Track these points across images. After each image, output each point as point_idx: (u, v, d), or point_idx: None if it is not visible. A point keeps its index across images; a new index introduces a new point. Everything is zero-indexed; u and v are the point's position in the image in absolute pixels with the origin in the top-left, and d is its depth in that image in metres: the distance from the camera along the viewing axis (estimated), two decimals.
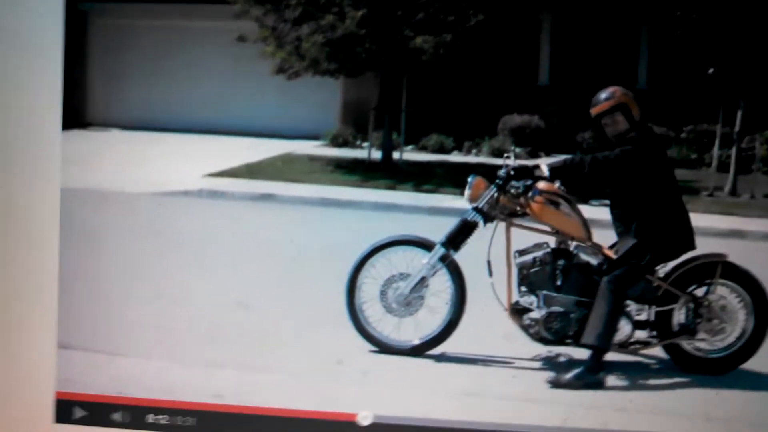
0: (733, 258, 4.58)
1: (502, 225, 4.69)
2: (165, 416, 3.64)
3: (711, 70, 9.12)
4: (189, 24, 11.88)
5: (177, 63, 11.87)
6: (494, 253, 4.63)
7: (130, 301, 5.15)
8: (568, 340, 4.56)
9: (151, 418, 3.64)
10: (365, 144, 11.34)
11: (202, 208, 8.43)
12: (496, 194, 4.65)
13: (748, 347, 4.56)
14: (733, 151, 9.38)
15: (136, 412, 3.65)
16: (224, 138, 11.36)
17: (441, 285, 4.70)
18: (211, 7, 11.20)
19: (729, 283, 4.58)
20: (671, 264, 4.59)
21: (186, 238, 6.78)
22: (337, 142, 11.91)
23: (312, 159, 10.96)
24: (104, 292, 5.01)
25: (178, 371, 4.20)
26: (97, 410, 3.68)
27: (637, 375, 4.50)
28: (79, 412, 3.68)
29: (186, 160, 10.15)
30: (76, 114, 11.41)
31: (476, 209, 4.66)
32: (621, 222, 4.62)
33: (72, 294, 4.39)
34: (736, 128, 9.25)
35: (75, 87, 11.88)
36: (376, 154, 10.87)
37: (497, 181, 4.65)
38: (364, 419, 3.69)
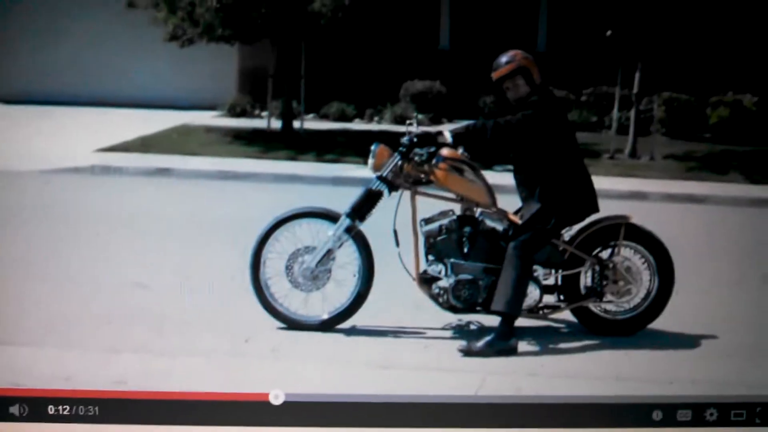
0: (636, 219, 4.66)
1: (407, 193, 4.68)
2: (66, 406, 3.53)
3: (609, 33, 9.29)
4: None
5: (64, 30, 11.49)
6: (400, 222, 4.62)
7: (18, 286, 4.98)
8: (478, 308, 4.59)
9: (51, 409, 3.53)
10: (264, 113, 11.22)
11: (95, 185, 8.22)
12: (399, 162, 4.63)
13: (654, 307, 4.68)
14: (632, 113, 9.58)
15: (35, 403, 3.53)
16: (117, 110, 11.09)
17: (348, 257, 4.67)
18: None
19: (633, 244, 4.68)
20: (576, 227, 4.66)
21: (78, 217, 6.60)
22: (234, 111, 11.74)
23: (209, 130, 10.77)
24: None
25: (75, 358, 4.06)
26: None
27: (547, 340, 4.57)
28: None
29: (76, 135, 9.86)
30: None
31: (380, 178, 4.64)
32: (525, 187, 4.66)
33: None
34: (635, 90, 9.46)
35: None
36: (276, 124, 10.76)
37: (400, 148, 4.63)
38: (276, 398, 3.65)
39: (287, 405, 3.64)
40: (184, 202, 7.55)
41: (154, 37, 10.60)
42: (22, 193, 7.30)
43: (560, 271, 4.67)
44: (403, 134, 4.68)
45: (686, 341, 4.57)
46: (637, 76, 9.49)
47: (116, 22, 11.11)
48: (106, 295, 4.99)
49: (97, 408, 3.54)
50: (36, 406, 3.54)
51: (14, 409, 3.55)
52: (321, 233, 4.67)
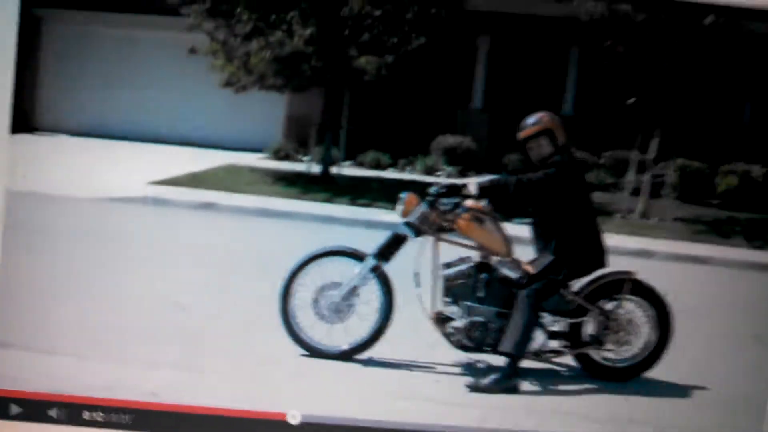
0: (640, 276, 4.72)
1: (430, 239, 4.76)
2: (100, 413, 3.62)
3: (632, 100, 9.34)
4: (141, 34, 11.73)
5: (128, 72, 11.70)
6: (421, 265, 4.71)
7: (69, 302, 5.09)
8: (487, 348, 4.64)
9: (86, 414, 3.62)
10: (306, 158, 11.33)
11: (146, 214, 8.35)
12: (426, 210, 4.72)
13: (651, 357, 4.71)
14: (647, 176, 9.59)
15: (72, 409, 3.63)
16: (170, 147, 11.23)
17: (371, 294, 4.75)
18: (164, 18, 11.08)
19: (635, 298, 4.72)
20: (584, 280, 4.71)
21: (128, 243, 6.71)
22: (279, 155, 11.86)
23: (254, 170, 10.89)
24: (44, 293, 4.95)
25: (115, 370, 4.16)
26: (33, 407, 3.64)
27: (549, 381, 4.62)
28: (15, 409, 3.64)
29: (132, 168, 10.01)
30: (25, 118, 11.18)
31: (407, 224, 4.73)
32: (541, 239, 4.72)
33: (12, 294, 4.34)
34: (651, 156, 9.47)
35: (25, 91, 11.66)
36: (316, 168, 10.87)
37: (428, 197, 4.73)
38: (293, 418, 3.72)
39: (303, 425, 3.71)
40: (226, 234, 7.65)
41: (210, 82, 10.79)
42: (80, 217, 7.44)
43: (566, 318, 4.71)
44: (431, 185, 4.77)
45: (679, 391, 4.59)
46: (654, 142, 9.53)
47: (176, 67, 11.32)
48: (148, 314, 5.10)
49: (129, 416, 3.63)
50: (72, 411, 3.63)
51: (53, 412, 3.64)
52: (348, 270, 4.76)
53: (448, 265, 4.78)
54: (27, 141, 10.82)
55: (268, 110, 11.77)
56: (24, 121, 11.31)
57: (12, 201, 4.06)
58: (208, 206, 8.86)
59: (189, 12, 10.48)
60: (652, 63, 9.27)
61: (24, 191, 6.08)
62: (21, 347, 4.29)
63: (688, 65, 9.18)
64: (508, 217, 5.00)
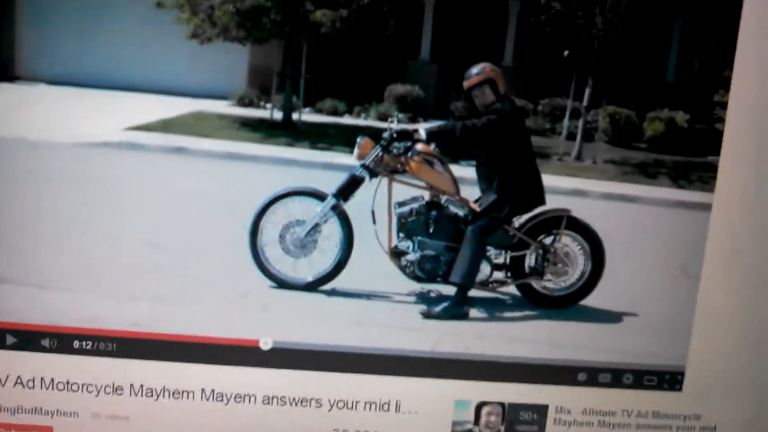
0: (576, 213, 4.81)
1: (385, 180, 4.79)
2: (89, 342, 3.60)
3: (566, 53, 9.36)
4: None
5: (102, 24, 11.38)
6: (377, 204, 4.75)
7: (56, 241, 5.03)
8: (438, 279, 4.72)
9: (76, 343, 3.60)
10: (268, 105, 11.19)
11: (121, 158, 8.21)
12: (380, 153, 4.73)
13: (586, 287, 4.83)
14: (580, 122, 9.67)
15: (63, 338, 3.60)
16: (142, 95, 11.02)
17: (332, 230, 4.79)
18: None
19: (572, 233, 4.81)
20: (525, 216, 4.79)
21: (106, 185, 6.60)
22: (243, 102, 11.68)
23: (220, 117, 10.73)
24: (32, 232, 4.87)
25: (100, 303, 4.16)
26: (27, 337, 3.60)
27: (495, 309, 4.71)
28: (10, 339, 3.60)
29: (107, 115, 9.81)
30: (5, 69, 10.87)
31: (363, 166, 4.74)
32: (485, 180, 4.76)
33: (3, 233, 4.26)
34: (584, 103, 9.54)
35: (4, 43, 11.30)
36: (278, 115, 10.76)
37: (382, 142, 4.73)
38: (265, 344, 3.73)
39: (274, 351, 3.72)
40: (196, 176, 7.57)
41: (177, 34, 10.55)
42: (59, 161, 7.30)
43: (509, 252, 4.77)
44: (384, 130, 4.77)
45: (611, 317, 4.71)
46: (587, 91, 9.59)
47: (145, 19, 11.02)
48: (128, 252, 5.05)
49: (115, 345, 3.62)
50: (63, 340, 3.61)
51: (45, 342, 3.61)
52: (310, 209, 4.79)
53: (401, 204, 4.81)
54: (7, 89, 10.54)
55: (232, 60, 11.56)
56: (3, 72, 11.00)
57: None
58: (179, 150, 8.73)
59: None
60: (585, 18, 9.28)
61: (6, 137, 5.94)
62: (14, 283, 4.24)
63: (617, 21, 9.20)
64: (456, 160, 5.02)
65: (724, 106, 4.01)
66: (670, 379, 3.91)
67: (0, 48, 3.74)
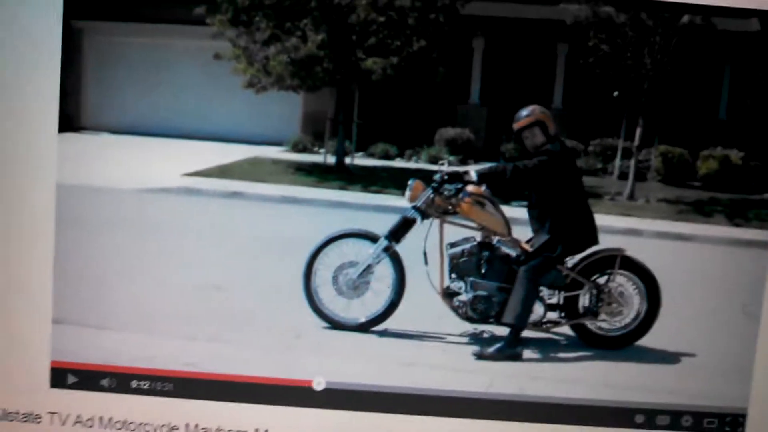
0: (630, 252, 4.71)
1: (436, 222, 4.76)
2: (146, 382, 3.63)
3: (616, 93, 9.30)
4: (172, 42, 11.73)
5: (161, 76, 11.71)
6: (429, 245, 4.71)
7: (116, 283, 5.08)
8: (491, 320, 4.65)
9: (134, 383, 3.63)
10: (322, 150, 11.32)
11: (180, 203, 8.35)
12: (432, 195, 4.72)
13: (641, 327, 4.70)
14: (632, 162, 9.55)
15: (122, 378, 3.64)
16: (200, 143, 11.25)
17: (384, 272, 4.77)
18: (192, 27, 11.08)
19: (626, 273, 4.70)
20: (578, 256, 4.70)
21: (166, 228, 6.72)
22: (297, 148, 11.84)
23: (275, 162, 10.89)
24: (94, 275, 4.95)
25: (158, 344, 4.19)
26: (88, 377, 3.65)
27: (549, 350, 4.61)
28: (71, 379, 3.66)
29: (167, 161, 10.02)
30: (71, 120, 11.21)
31: (415, 208, 4.73)
32: (537, 220, 4.70)
33: (67, 277, 4.33)
34: (636, 143, 9.43)
35: (70, 95, 11.68)
36: (331, 159, 10.87)
37: (433, 184, 4.73)
38: (319, 384, 3.72)
39: (327, 391, 3.71)
40: (253, 220, 7.65)
41: (233, 84, 10.80)
42: (124, 206, 7.44)
43: (563, 292, 4.69)
44: (435, 172, 4.76)
45: (668, 357, 4.57)
46: (638, 130, 9.49)
47: (203, 70, 11.31)
48: (188, 293, 5.10)
49: (171, 384, 3.64)
50: (122, 380, 3.64)
51: (105, 382, 3.66)
52: (363, 251, 4.79)
53: (453, 245, 4.78)
54: (73, 139, 10.86)
55: (286, 108, 11.75)
56: (70, 123, 11.36)
57: (62, 194, 4.05)
58: (235, 194, 8.86)
59: (213, 21, 10.48)
60: (634, 59, 9.21)
61: (73, 185, 6.05)
62: (77, 324, 4.29)
63: (666, 61, 9.12)
64: (507, 201, 4.99)
65: None
66: (731, 422, 3.77)
67: (65, 99, 3.85)
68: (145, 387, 3.63)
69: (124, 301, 4.83)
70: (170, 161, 10.23)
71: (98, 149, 10.76)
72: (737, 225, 8.68)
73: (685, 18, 8.78)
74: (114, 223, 6.61)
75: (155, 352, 4.01)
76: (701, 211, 9.16)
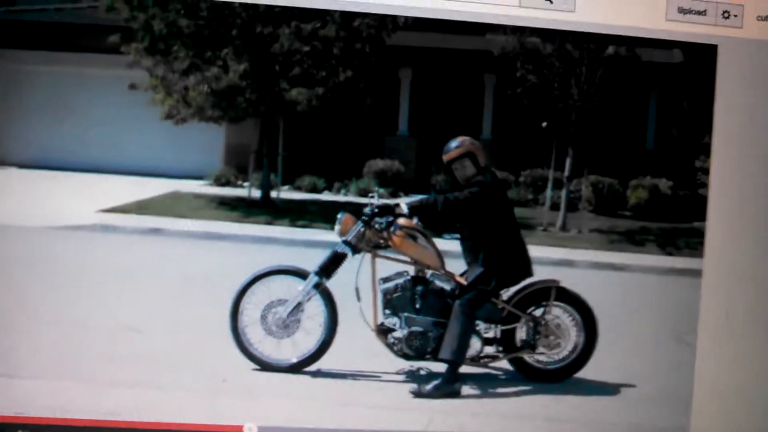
0: (564, 283, 4.78)
1: (368, 256, 4.76)
2: None
3: (545, 124, 9.54)
4: (84, 71, 11.52)
5: (72, 106, 11.47)
6: (361, 281, 4.70)
7: (28, 327, 4.92)
8: (428, 356, 4.64)
9: None
10: (246, 183, 11.24)
11: (96, 242, 8.16)
12: (362, 229, 4.71)
13: (579, 359, 4.76)
14: (563, 192, 9.79)
15: (36, 430, 3.50)
16: (116, 177, 11.04)
17: (315, 309, 4.72)
18: (105, 56, 10.92)
19: (562, 304, 4.77)
20: (513, 289, 4.75)
21: (80, 269, 6.54)
22: (220, 181, 11.74)
23: (197, 197, 10.76)
24: (2, 319, 4.78)
25: (74, 391, 4.04)
26: None
27: (488, 384, 4.62)
28: None
29: (80, 197, 9.80)
30: None
31: (345, 242, 4.72)
32: (470, 253, 4.74)
33: None
34: (566, 173, 9.68)
35: None
36: (256, 193, 10.80)
37: (363, 217, 4.73)
38: (250, 430, 3.66)
39: None
40: (173, 258, 7.52)
41: (151, 115, 10.65)
42: (32, 246, 7.22)
43: (499, 326, 4.73)
44: (365, 205, 4.78)
45: (607, 389, 4.64)
46: (568, 161, 9.75)
47: (118, 101, 11.13)
48: (104, 337, 4.95)
49: None
50: None
51: None
52: (292, 288, 4.73)
53: (386, 280, 4.78)
54: None
55: (207, 140, 11.65)
56: None
57: None
58: (155, 231, 8.71)
59: (129, 50, 10.34)
60: (561, 90, 9.48)
61: None
62: None
63: (593, 91, 9.42)
64: (439, 233, 5.03)
65: (706, 171, 4.08)
66: None
67: None
68: None
69: (37, 346, 4.67)
70: (84, 196, 9.99)
71: (4, 184, 10.45)
72: (669, 254, 8.97)
73: (610, 49, 9.11)
74: (23, 264, 6.40)
75: (73, 401, 3.88)
76: (633, 240, 9.44)
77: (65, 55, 11.49)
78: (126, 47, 10.34)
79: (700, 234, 4.25)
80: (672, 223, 10.02)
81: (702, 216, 4.28)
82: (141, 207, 9.83)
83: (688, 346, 4.23)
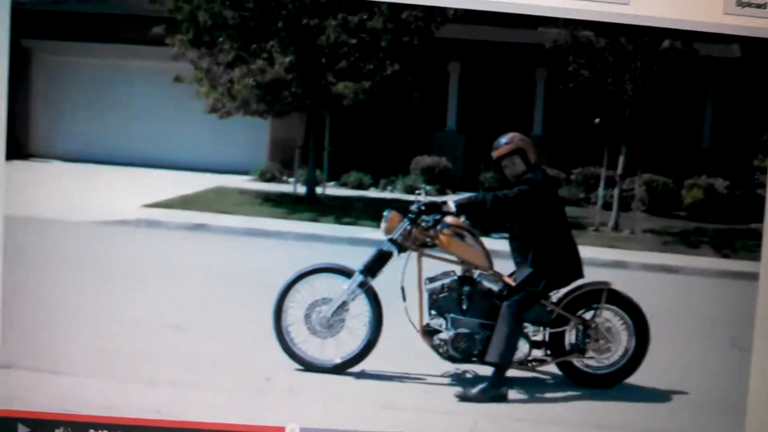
0: (616, 285, 4.71)
1: (414, 255, 4.73)
2: (105, 431, 3.55)
3: (597, 120, 9.41)
4: (129, 63, 11.68)
5: (117, 99, 11.64)
6: (407, 280, 4.66)
7: (70, 324, 5.00)
8: (474, 359, 4.61)
9: None
10: (291, 179, 11.30)
11: (139, 236, 8.27)
12: (408, 227, 4.69)
13: (630, 364, 4.68)
14: (616, 191, 9.66)
15: (77, 427, 3.55)
16: (160, 171, 11.18)
17: (360, 309, 4.71)
18: (150, 48, 11.04)
19: (613, 307, 4.70)
20: (563, 290, 4.69)
21: (124, 264, 6.63)
22: (265, 177, 11.82)
23: (242, 192, 10.85)
24: (46, 315, 4.87)
25: (117, 389, 4.10)
26: (40, 426, 3.56)
27: (535, 389, 4.58)
28: (22, 429, 3.56)
29: (124, 192, 9.94)
30: (19, 146, 11.08)
31: (391, 240, 4.70)
32: (519, 253, 4.70)
33: (14, 317, 4.25)
34: (619, 171, 9.55)
35: (18, 120, 11.56)
36: (301, 189, 10.84)
37: (410, 215, 4.70)
38: (292, 431, 3.67)
39: None
40: (217, 254, 7.59)
41: (196, 108, 10.75)
42: (75, 240, 7.35)
43: (548, 328, 4.68)
44: (412, 203, 4.75)
45: (659, 395, 4.57)
46: (621, 159, 9.61)
47: (163, 93, 11.26)
48: (147, 334, 5.01)
49: None
50: (78, 430, 3.56)
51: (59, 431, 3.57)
52: (337, 287, 4.72)
53: (432, 280, 4.75)
54: (21, 167, 10.72)
55: (252, 134, 11.73)
56: (18, 149, 11.22)
57: (10, 227, 3.98)
58: (199, 227, 8.79)
59: (173, 42, 10.45)
60: (615, 85, 9.35)
61: (22, 217, 5.96)
62: (26, 368, 4.20)
63: (647, 87, 9.27)
64: (487, 233, 5.00)
65: (764, 171, 3.97)
66: None
67: (13, 124, 3.78)
68: None
69: (79, 343, 4.73)
70: (127, 191, 10.12)
71: (48, 178, 10.64)
72: (725, 256, 8.79)
73: (666, 43, 8.94)
74: (67, 259, 6.51)
75: (114, 398, 3.93)
76: (687, 242, 9.27)
77: (108, 47, 11.64)
78: (170, 39, 10.44)
79: (757, 236, 4.16)
80: (728, 224, 9.82)
81: (759, 217, 4.19)
82: (185, 202, 9.93)
83: (743, 351, 4.14)
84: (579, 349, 4.67)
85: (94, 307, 5.49)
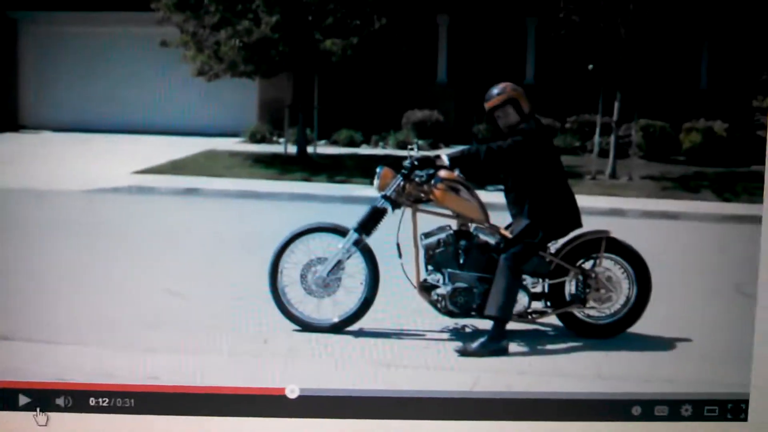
0: (615, 234, 4.68)
1: (408, 210, 4.70)
2: (105, 399, 3.56)
3: (591, 66, 9.35)
4: (115, 30, 11.61)
5: (104, 67, 11.60)
6: (402, 236, 4.64)
7: (66, 293, 5.01)
8: (473, 313, 4.59)
9: (92, 401, 3.55)
10: (281, 140, 11.26)
11: (132, 203, 8.26)
12: (402, 183, 4.66)
13: (632, 313, 4.66)
14: (612, 138, 9.63)
15: (78, 396, 3.56)
16: (150, 137, 11.16)
17: (356, 267, 4.68)
18: (135, 14, 10.95)
19: (613, 256, 4.67)
20: (561, 241, 4.66)
21: (117, 232, 6.62)
22: (255, 138, 11.79)
23: (232, 155, 10.84)
24: (41, 285, 4.86)
25: (115, 356, 4.10)
26: (41, 396, 3.57)
27: (535, 341, 4.56)
28: (23, 399, 3.57)
29: (115, 159, 9.94)
30: (9, 117, 11.05)
31: (385, 197, 4.67)
32: (515, 204, 4.67)
33: (9, 288, 4.25)
34: (614, 118, 9.50)
35: (7, 91, 11.50)
36: (292, 149, 10.81)
37: (403, 170, 4.66)
38: (292, 392, 3.67)
39: (302, 399, 3.66)
40: (210, 218, 7.57)
41: (183, 72, 10.68)
42: (68, 209, 7.33)
43: (547, 280, 4.66)
44: (405, 158, 4.71)
45: (663, 344, 4.55)
46: (616, 105, 9.55)
47: (150, 59, 11.19)
48: (142, 300, 5.00)
49: (133, 400, 3.57)
50: (78, 398, 3.57)
51: (60, 401, 3.58)
52: (332, 246, 4.69)
53: (427, 235, 4.72)
54: (12, 139, 10.70)
55: (241, 96, 11.68)
56: (8, 121, 11.19)
57: (2, 198, 3.95)
58: (191, 191, 8.79)
59: (158, 6, 10.35)
60: (608, 29, 9.26)
61: (14, 187, 5.96)
62: (23, 339, 4.21)
63: (642, 30, 9.18)
64: (482, 185, 4.97)
65: (764, 111, 3.94)
66: (733, 408, 3.79)
67: (3, 97, 3.75)
68: (105, 404, 3.56)
69: (76, 311, 4.74)
70: (118, 158, 10.11)
71: (39, 148, 10.60)
72: (726, 200, 8.79)
73: None
74: (61, 228, 6.50)
75: (113, 366, 3.93)
76: (687, 187, 9.26)
77: (92, 15, 11.55)
78: (155, 3, 10.35)
79: (759, 178, 4.12)
80: (728, 167, 9.81)
81: (761, 159, 4.15)
82: (176, 167, 9.92)
83: (748, 298, 4.13)
84: (580, 300, 4.66)
85: (89, 275, 5.49)
